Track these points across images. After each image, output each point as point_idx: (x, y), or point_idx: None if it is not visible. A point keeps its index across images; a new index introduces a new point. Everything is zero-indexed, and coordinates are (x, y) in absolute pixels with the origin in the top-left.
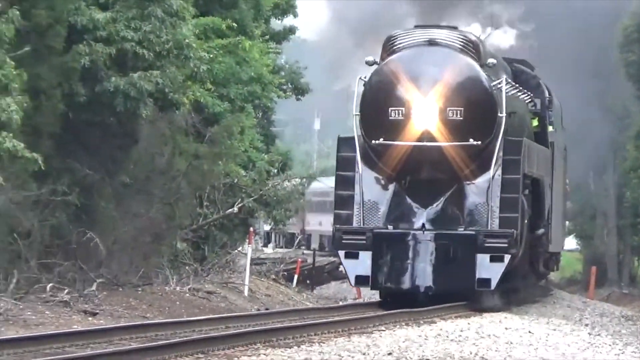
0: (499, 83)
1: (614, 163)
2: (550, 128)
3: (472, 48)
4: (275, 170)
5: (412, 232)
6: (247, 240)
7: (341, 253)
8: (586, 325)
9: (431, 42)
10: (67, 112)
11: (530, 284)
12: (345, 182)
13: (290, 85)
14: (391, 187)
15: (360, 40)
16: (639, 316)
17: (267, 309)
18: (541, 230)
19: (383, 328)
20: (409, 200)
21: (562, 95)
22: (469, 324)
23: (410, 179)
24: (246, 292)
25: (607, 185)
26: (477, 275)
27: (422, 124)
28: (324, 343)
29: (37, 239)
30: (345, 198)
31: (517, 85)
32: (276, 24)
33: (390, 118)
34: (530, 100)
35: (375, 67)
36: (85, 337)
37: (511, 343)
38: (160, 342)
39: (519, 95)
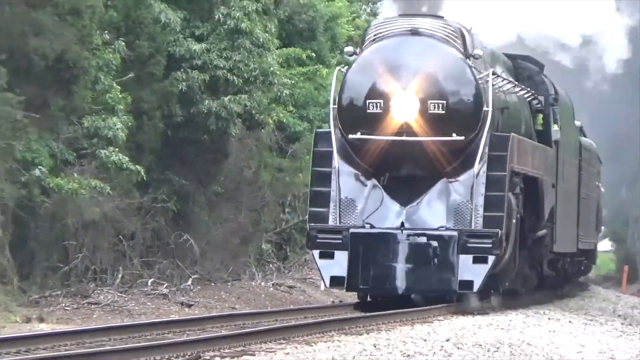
0: (486, 76)
1: None
2: (555, 126)
3: (457, 38)
4: None
5: (390, 231)
6: None
7: (315, 252)
8: (619, 316)
9: (413, 32)
10: (166, 131)
11: (531, 286)
12: (321, 179)
13: None
14: (369, 183)
15: None
16: None
17: (340, 302)
18: (542, 231)
19: (442, 318)
20: (387, 197)
21: (603, 114)
22: (516, 314)
23: (389, 175)
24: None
25: (638, 194)
26: (459, 277)
27: (402, 118)
28: (390, 331)
29: (140, 240)
30: (321, 195)
31: (517, 81)
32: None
33: (368, 111)
34: (533, 97)
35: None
36: (181, 325)
37: (553, 331)
38: (247, 330)
39: (517, 91)
